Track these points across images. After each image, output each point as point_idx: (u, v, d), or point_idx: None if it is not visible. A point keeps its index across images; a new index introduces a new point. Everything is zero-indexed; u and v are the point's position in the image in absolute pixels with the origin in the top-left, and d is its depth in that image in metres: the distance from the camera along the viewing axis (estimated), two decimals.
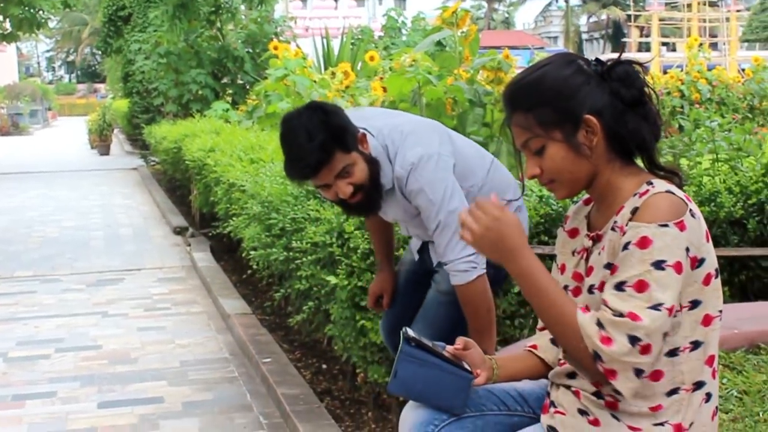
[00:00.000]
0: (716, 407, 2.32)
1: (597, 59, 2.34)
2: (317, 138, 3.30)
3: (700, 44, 21.90)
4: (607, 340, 2.14)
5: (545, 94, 2.28)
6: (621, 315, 2.13)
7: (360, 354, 4.54)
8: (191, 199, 11.93)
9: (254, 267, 6.32)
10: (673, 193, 2.18)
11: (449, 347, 2.48)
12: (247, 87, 16.25)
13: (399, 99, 7.03)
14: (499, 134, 6.40)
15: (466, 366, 2.44)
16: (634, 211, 2.19)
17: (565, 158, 2.29)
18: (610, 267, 2.22)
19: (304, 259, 4.90)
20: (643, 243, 2.13)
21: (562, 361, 2.43)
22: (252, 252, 5.90)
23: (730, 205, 5.06)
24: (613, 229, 2.24)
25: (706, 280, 2.21)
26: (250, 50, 16.69)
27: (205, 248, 10.28)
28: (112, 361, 6.37)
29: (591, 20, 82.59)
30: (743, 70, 24.04)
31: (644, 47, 54.18)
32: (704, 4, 51.25)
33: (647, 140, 2.29)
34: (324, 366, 5.89)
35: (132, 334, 7.07)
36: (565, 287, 2.43)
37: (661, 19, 51.07)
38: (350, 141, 3.38)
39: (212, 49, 16.43)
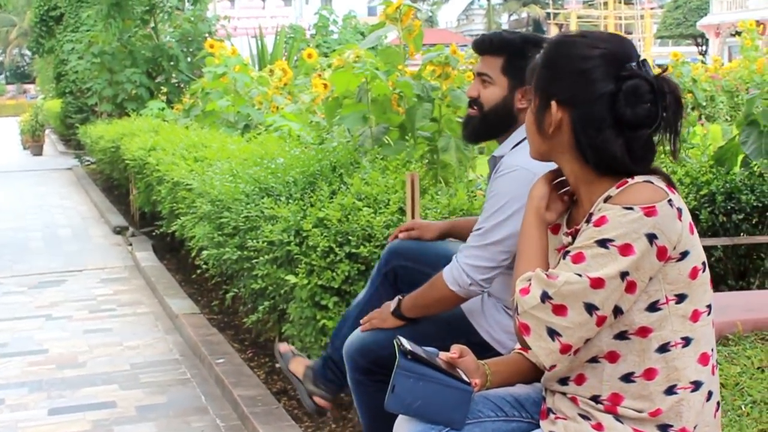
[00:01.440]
0: (718, 403, 2.29)
1: (643, 61, 2.23)
2: (507, 37, 3.38)
3: None
4: (524, 291, 2.19)
5: (549, 60, 2.30)
6: (548, 275, 2.17)
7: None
8: (131, 199, 11.79)
9: (203, 266, 6.23)
10: (651, 182, 2.16)
11: (443, 354, 2.41)
12: (182, 86, 16.17)
13: (343, 96, 6.98)
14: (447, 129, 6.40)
15: (463, 375, 2.37)
16: (606, 198, 2.17)
17: (530, 122, 2.35)
18: None
19: (261, 258, 4.84)
20: (599, 221, 2.13)
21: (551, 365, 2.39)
22: (204, 252, 5.81)
23: (682, 197, 5.10)
24: (587, 221, 2.22)
25: (693, 274, 2.18)
26: (184, 49, 16.59)
27: (147, 247, 10.15)
28: (60, 365, 6.24)
29: (512, 18, 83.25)
30: (659, 65, 24.50)
31: None
32: (620, 2, 52.13)
33: (618, 162, 2.20)
34: (277, 365, 5.82)
35: (78, 337, 6.94)
36: None
37: (579, 17, 51.90)
38: (516, 71, 3.32)
39: (146, 49, 16.34)
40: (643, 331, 2.17)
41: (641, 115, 2.18)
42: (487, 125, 3.42)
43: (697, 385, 2.21)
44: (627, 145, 2.19)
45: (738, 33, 25.38)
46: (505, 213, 3.21)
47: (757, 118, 5.89)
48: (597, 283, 2.11)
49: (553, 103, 2.24)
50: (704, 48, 54.81)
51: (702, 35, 53.86)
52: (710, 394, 2.25)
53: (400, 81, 6.48)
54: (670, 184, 2.22)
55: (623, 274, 2.11)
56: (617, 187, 2.18)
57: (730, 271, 5.37)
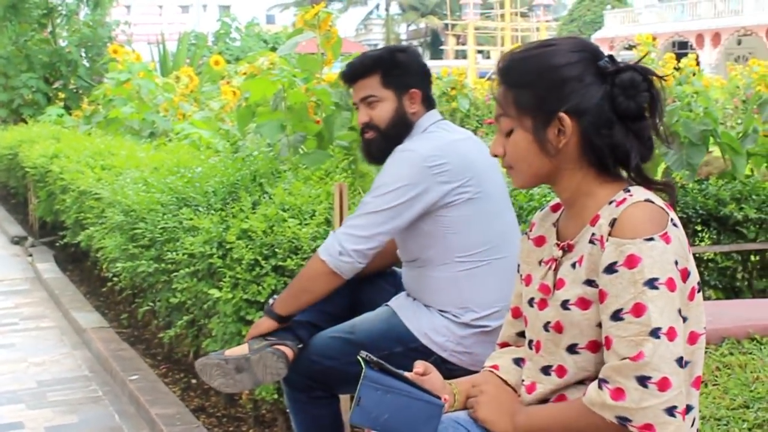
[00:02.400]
0: (698, 430, 2.20)
1: (610, 56, 2.17)
2: (374, 54, 3.43)
3: None
4: (618, 393, 1.98)
5: (530, 75, 2.15)
6: (623, 359, 1.98)
7: None
8: (30, 208, 11.40)
9: (114, 279, 6.00)
10: (653, 202, 2.05)
11: (406, 373, 2.26)
12: (80, 92, 15.80)
13: (257, 103, 6.80)
14: None
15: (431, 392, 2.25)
16: (613, 222, 2.04)
17: (527, 150, 2.17)
18: (592, 284, 2.08)
19: (180, 271, 4.64)
20: (631, 262, 1.99)
21: (528, 385, 2.27)
22: (119, 264, 5.57)
23: None
24: (591, 242, 2.10)
25: (691, 295, 2.08)
26: (83, 54, 16.23)
27: (49, 258, 9.80)
28: None
29: (410, 28, 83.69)
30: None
31: (461, 55, 55.67)
32: (516, 15, 52.91)
33: (632, 158, 2.12)
34: (193, 381, 5.61)
35: None
36: (531, 300, 2.28)
37: (476, 28, 52.54)
38: (396, 80, 3.38)
39: (44, 53, 15.93)
40: (639, 356, 2.00)
41: (643, 104, 2.13)
42: (390, 140, 3.43)
43: (688, 410, 2.08)
44: (636, 137, 2.13)
45: (631, 47, 25.86)
46: (388, 188, 3.23)
47: (678, 129, 5.90)
48: (672, 335, 1.97)
49: (563, 115, 2.11)
50: None
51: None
52: (694, 419, 2.16)
53: (318, 89, 6.35)
54: (671, 199, 2.14)
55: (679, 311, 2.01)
56: (617, 205, 2.07)
57: None
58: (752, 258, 5.97)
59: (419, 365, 2.31)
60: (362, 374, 2.16)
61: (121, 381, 5.61)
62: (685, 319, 2.06)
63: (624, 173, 2.19)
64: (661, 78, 2.17)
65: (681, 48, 47.93)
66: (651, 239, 1.99)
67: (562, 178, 2.18)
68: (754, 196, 5.73)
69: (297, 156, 5.71)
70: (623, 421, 1.98)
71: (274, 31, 25.88)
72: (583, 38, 2.26)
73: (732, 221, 5.63)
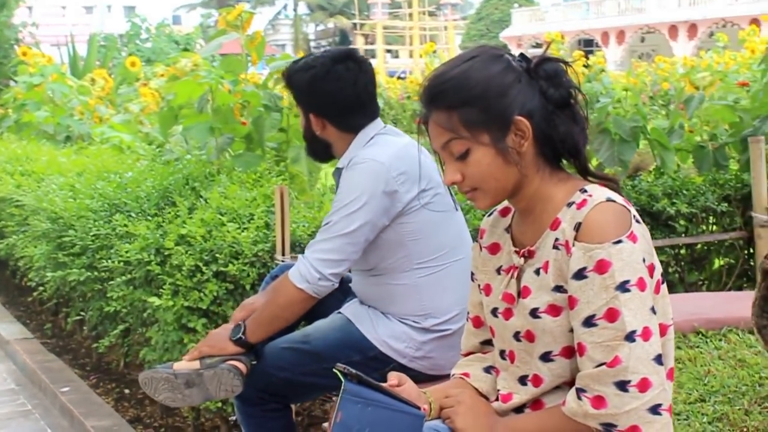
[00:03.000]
0: None
1: (522, 55, 2.14)
2: (288, 67, 3.39)
3: (435, 51, 22.72)
4: (598, 401, 1.96)
5: (472, 91, 2.07)
6: (598, 365, 1.96)
7: None
8: None
9: (39, 288, 5.81)
10: (614, 201, 2.02)
11: (383, 384, 2.20)
12: None
13: (179, 106, 6.66)
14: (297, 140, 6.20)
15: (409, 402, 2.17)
16: (577, 226, 2.00)
17: (491, 164, 2.09)
18: (561, 290, 2.05)
19: (115, 279, 4.51)
20: (601, 267, 1.96)
21: (504, 394, 2.22)
22: (47, 273, 5.39)
23: None
24: (555, 247, 2.05)
25: (657, 288, 2.06)
26: None
27: None
28: None
29: (319, 28, 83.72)
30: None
31: (369, 54, 55.92)
32: (424, 14, 53.28)
33: (578, 144, 2.11)
34: (126, 391, 5.47)
35: None
36: (494, 310, 2.23)
37: (385, 28, 52.72)
38: (302, 99, 3.39)
39: None
40: (615, 361, 1.97)
41: (569, 90, 2.13)
42: (309, 149, 3.55)
43: None
44: (575, 123, 2.12)
45: (539, 45, 26.19)
46: (356, 205, 3.15)
47: (609, 126, 5.93)
48: (647, 334, 1.95)
49: (519, 119, 2.07)
50: None
51: (504, 46, 55.47)
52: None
53: (248, 90, 6.24)
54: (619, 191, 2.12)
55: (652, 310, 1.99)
56: (578, 208, 2.03)
57: None
58: (683, 252, 6.02)
59: (393, 377, 2.25)
60: (341, 388, 2.09)
61: (51, 393, 5.44)
62: (654, 313, 2.04)
63: (572, 170, 2.17)
64: (567, 64, 2.15)
65: (587, 46, 48.64)
66: (619, 242, 1.96)
67: (523, 186, 2.13)
68: (684, 191, 5.78)
69: (230, 159, 5.60)
70: (609, 427, 1.97)
71: (186, 32, 25.63)
72: (490, 45, 2.23)
73: (665, 216, 5.66)
